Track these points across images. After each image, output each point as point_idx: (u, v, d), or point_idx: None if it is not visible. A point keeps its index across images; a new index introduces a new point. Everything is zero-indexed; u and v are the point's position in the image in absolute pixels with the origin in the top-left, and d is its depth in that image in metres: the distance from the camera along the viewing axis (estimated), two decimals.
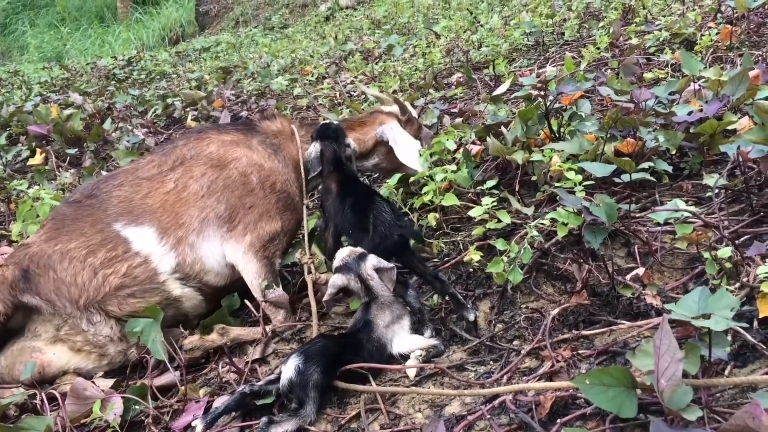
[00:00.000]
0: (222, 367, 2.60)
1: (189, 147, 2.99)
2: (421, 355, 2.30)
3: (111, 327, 2.69)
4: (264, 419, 2.05)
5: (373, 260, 2.42)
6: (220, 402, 2.29)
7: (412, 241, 2.68)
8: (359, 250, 2.49)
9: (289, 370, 2.14)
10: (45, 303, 2.64)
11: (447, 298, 2.50)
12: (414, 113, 3.58)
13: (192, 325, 2.90)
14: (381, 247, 2.51)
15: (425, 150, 3.30)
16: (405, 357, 2.32)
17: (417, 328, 2.43)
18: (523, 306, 2.51)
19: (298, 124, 3.31)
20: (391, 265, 2.41)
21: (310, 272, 2.89)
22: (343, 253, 2.49)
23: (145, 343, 2.46)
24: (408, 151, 3.26)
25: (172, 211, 2.81)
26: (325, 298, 2.46)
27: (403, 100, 3.63)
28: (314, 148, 3.09)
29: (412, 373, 2.26)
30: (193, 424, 2.16)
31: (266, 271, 2.85)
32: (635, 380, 1.61)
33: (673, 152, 2.97)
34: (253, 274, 2.83)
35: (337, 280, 2.43)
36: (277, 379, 2.20)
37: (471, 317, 2.41)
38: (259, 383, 2.25)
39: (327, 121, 3.15)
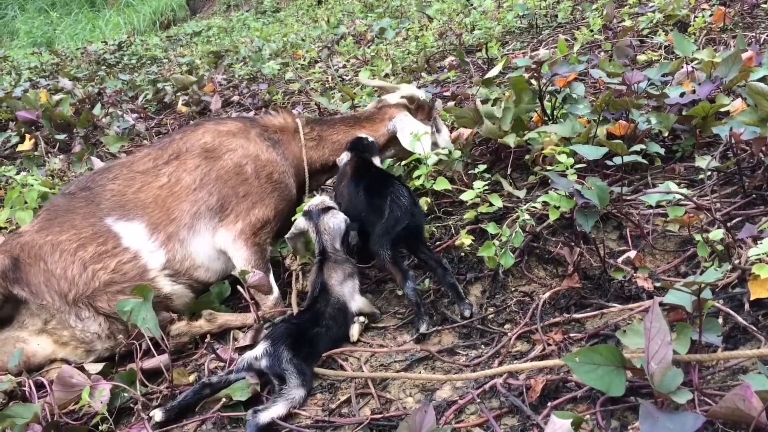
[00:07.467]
0: (211, 354, 2.58)
1: (185, 140, 2.94)
2: (364, 322, 2.51)
3: (99, 324, 2.64)
4: (250, 412, 2.03)
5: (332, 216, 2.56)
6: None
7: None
8: (328, 202, 2.62)
9: (259, 355, 2.17)
10: (33, 296, 2.60)
11: (447, 288, 2.48)
12: (421, 96, 3.39)
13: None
14: (395, 231, 2.45)
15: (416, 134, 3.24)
16: (358, 314, 2.52)
17: (414, 322, 2.43)
18: (515, 290, 2.50)
19: (304, 121, 3.20)
20: (343, 228, 2.53)
21: (297, 279, 2.87)
22: (314, 201, 2.64)
23: (135, 322, 2.42)
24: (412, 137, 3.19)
25: (163, 205, 2.76)
26: (287, 235, 2.71)
27: (411, 85, 3.54)
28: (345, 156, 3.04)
29: (356, 333, 2.46)
30: (151, 414, 2.16)
31: (256, 258, 2.81)
32: (624, 359, 1.61)
33: (666, 135, 2.96)
34: (242, 261, 2.79)
35: (299, 222, 2.65)
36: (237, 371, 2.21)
37: (467, 313, 2.39)
38: (219, 375, 2.26)
39: (362, 135, 3.10)
